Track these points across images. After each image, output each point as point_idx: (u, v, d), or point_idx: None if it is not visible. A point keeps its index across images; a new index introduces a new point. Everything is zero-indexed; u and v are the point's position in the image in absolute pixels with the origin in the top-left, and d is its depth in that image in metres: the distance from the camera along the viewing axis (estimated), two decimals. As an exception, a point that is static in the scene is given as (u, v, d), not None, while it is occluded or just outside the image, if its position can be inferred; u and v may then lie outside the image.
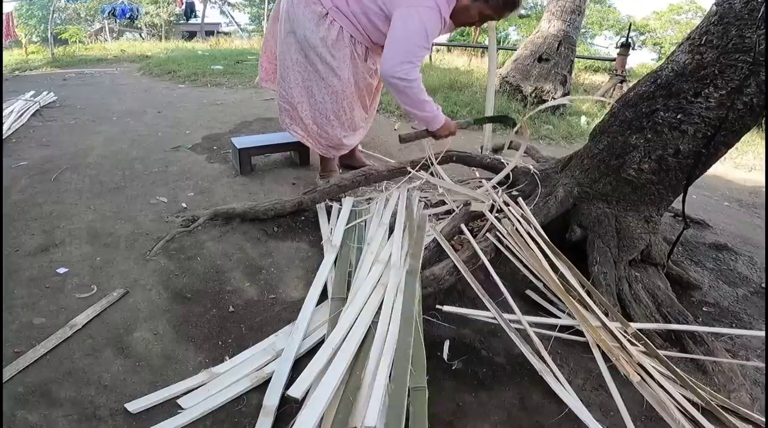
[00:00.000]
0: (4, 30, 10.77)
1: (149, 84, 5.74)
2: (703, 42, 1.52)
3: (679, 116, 1.54)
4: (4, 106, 3.81)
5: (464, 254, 1.53)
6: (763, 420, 1.18)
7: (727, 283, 1.87)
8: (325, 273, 1.51)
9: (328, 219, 1.82)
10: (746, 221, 2.67)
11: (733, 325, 1.64)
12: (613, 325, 1.35)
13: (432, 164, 1.99)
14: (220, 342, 1.32)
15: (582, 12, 4.93)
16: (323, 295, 1.45)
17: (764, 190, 2.99)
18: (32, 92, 4.47)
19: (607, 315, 1.39)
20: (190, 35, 27.83)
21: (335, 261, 1.56)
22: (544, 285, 1.50)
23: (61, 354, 1.24)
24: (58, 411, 1.09)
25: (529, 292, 1.60)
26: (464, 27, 2.04)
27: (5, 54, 11.93)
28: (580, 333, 1.38)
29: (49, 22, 12.70)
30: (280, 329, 1.35)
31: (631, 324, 1.38)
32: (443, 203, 1.88)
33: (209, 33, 28.82)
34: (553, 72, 4.63)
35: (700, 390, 1.20)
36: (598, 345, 1.31)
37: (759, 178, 3.67)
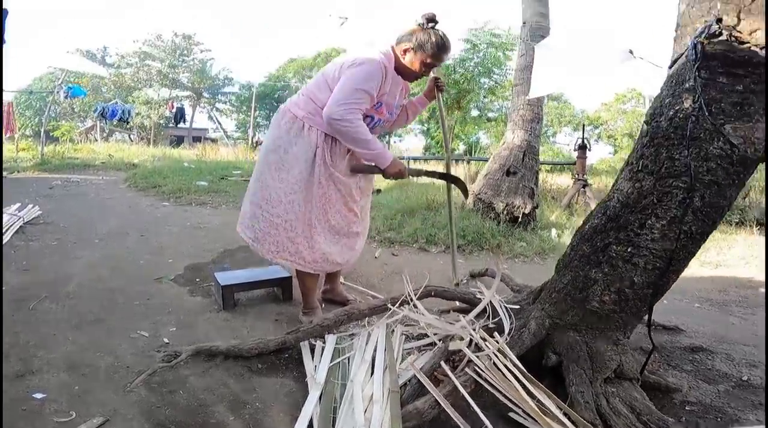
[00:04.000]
0: (5, 124, 11.00)
1: (134, 199, 5.88)
2: (640, 168, 1.62)
3: (629, 249, 1.63)
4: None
5: (445, 389, 1.57)
6: None
7: (706, 382, 1.89)
8: (309, 409, 1.51)
9: (312, 357, 1.84)
10: (718, 320, 2.77)
11: (719, 419, 1.65)
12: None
13: (411, 300, 2.09)
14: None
15: (540, 119, 5.22)
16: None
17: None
18: (18, 205, 4.54)
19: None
20: (178, 140, 28.76)
21: (320, 398, 1.57)
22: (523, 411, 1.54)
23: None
24: None
25: (512, 414, 1.61)
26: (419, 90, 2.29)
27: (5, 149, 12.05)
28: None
29: (44, 119, 12.98)
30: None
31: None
32: (425, 335, 1.95)
33: (196, 139, 29.81)
34: (521, 185, 4.78)
35: None
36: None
37: (725, 274, 3.78)
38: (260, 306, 2.49)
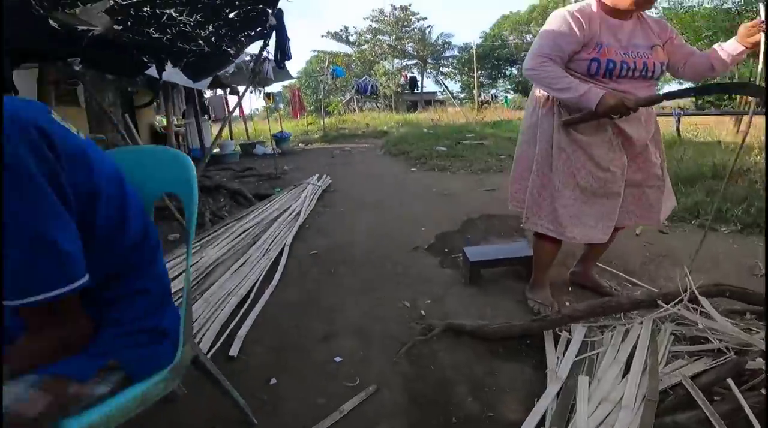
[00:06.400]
0: (297, 107, 15.60)
1: (389, 167, 7.07)
2: None
3: None
4: (301, 185, 5.28)
5: (722, 407, 1.34)
6: None
7: None
8: (545, 403, 1.51)
9: (555, 348, 1.80)
10: None
11: None
12: None
13: (691, 296, 1.75)
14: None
15: None
16: (541, 423, 1.45)
17: None
18: (317, 175, 5.96)
19: None
20: (414, 104, 32.98)
21: (558, 393, 1.55)
22: None
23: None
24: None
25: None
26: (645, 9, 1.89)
27: (298, 124, 18.29)
28: None
29: (321, 98, 19.12)
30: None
31: None
32: (705, 340, 1.66)
33: (428, 102, 33.93)
34: None
35: None
36: None
37: None
38: (503, 283, 2.56)
